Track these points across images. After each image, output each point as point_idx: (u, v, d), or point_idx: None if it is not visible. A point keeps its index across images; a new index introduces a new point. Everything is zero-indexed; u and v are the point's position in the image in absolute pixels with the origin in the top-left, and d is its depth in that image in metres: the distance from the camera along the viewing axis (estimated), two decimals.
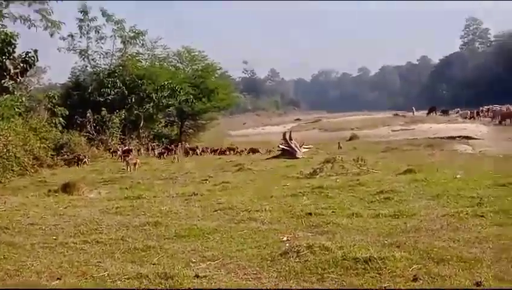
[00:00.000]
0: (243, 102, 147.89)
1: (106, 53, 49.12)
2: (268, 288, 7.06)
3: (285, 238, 9.40)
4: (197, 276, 7.45)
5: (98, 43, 48.38)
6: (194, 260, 8.32)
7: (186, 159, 33.55)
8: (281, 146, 32.16)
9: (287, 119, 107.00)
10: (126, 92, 44.90)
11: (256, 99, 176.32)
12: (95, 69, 48.82)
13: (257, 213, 11.94)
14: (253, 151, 36.06)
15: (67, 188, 17.71)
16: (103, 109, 41.26)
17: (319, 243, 8.53)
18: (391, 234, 9.45)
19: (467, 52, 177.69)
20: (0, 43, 25.17)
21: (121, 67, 47.60)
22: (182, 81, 49.83)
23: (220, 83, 56.84)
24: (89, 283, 7.49)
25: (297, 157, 29.71)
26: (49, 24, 28.49)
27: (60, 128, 35.49)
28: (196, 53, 56.97)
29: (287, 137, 32.19)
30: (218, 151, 38.28)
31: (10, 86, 26.45)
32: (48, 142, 30.68)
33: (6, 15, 26.97)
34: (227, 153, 37.20)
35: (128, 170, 25.79)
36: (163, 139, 50.79)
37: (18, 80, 28.71)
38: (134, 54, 50.18)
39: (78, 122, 40.12)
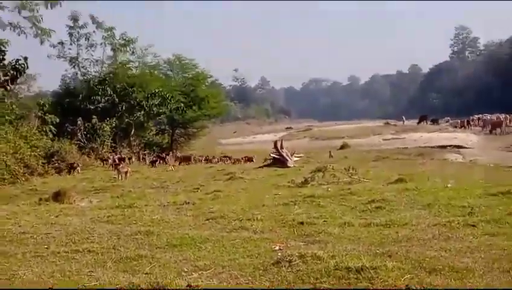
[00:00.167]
0: (234, 110, 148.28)
1: (96, 60, 49.45)
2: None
3: (277, 248, 9.39)
4: (189, 285, 7.42)
5: (88, 50, 48.75)
6: (186, 270, 8.29)
7: (181, 168, 33.57)
8: (272, 155, 32.16)
9: (277, 127, 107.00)
10: (117, 99, 44.92)
11: (246, 107, 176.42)
12: (85, 77, 49.00)
13: (249, 222, 11.91)
14: (249, 159, 36.21)
15: (58, 196, 17.65)
16: (94, 116, 41.27)
17: (311, 252, 8.52)
18: (383, 243, 9.46)
19: (456, 61, 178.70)
20: None
21: (111, 75, 47.66)
22: (173, 89, 49.91)
23: (210, 91, 56.94)
24: None
25: (289, 166, 29.72)
26: (39, 31, 28.39)
27: (51, 136, 35.50)
28: (187, 61, 57.07)
29: (278, 146, 32.20)
30: (212, 159, 38.47)
31: (0, 93, 26.39)
32: (38, 150, 30.61)
33: None
34: (223, 161, 37.33)
35: (120, 178, 25.78)
36: (154, 148, 50.91)
37: (8, 87, 28.62)
38: (125, 61, 50.23)
39: (69, 130, 40.15)
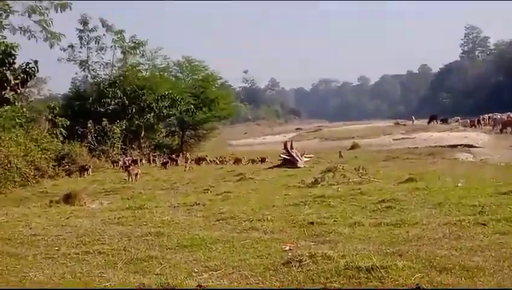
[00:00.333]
0: (244, 111, 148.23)
1: (106, 63, 49.52)
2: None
3: (287, 248, 9.39)
4: (199, 286, 7.44)
5: (98, 53, 48.79)
6: (196, 270, 8.30)
7: (196, 168, 33.69)
8: (282, 155, 32.15)
9: (288, 128, 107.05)
10: (127, 102, 44.93)
11: (256, 108, 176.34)
12: (95, 80, 49.05)
13: (259, 223, 11.91)
14: (262, 160, 36.41)
15: (69, 198, 17.69)
16: (104, 119, 41.33)
17: (321, 252, 8.52)
18: (393, 242, 9.44)
19: (467, 61, 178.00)
20: (0, 54, 25.18)
21: (121, 78, 47.74)
22: (183, 91, 49.87)
23: (220, 92, 56.86)
24: None
25: (299, 167, 29.69)
26: (49, 35, 28.46)
27: (61, 138, 35.58)
28: (196, 63, 57.07)
29: (288, 146, 32.19)
30: (226, 161, 38.72)
31: (11, 96, 26.39)
32: (49, 152, 30.67)
33: (7, 26, 26.96)
34: (237, 163, 37.46)
35: (130, 180, 25.85)
36: (164, 149, 50.93)
37: (19, 90, 28.66)
38: (135, 64, 50.31)
39: (79, 132, 40.21)
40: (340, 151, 38.73)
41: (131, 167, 28.62)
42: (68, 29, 45.57)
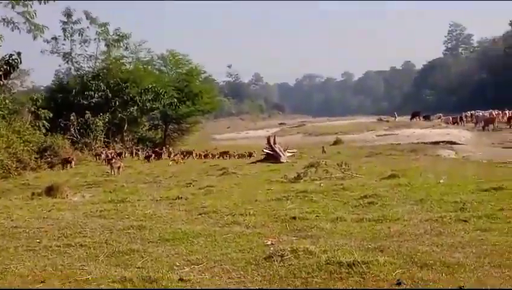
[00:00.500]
0: (227, 106, 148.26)
1: (90, 56, 49.32)
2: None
3: (269, 242, 9.40)
4: (181, 279, 7.44)
5: (81, 46, 48.58)
6: (178, 264, 8.29)
7: (180, 162, 33.63)
8: (265, 150, 32.15)
9: (271, 123, 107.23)
10: (110, 95, 44.83)
11: (240, 103, 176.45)
12: (78, 72, 48.88)
13: (241, 217, 11.92)
14: (250, 154, 36.40)
15: (51, 191, 17.63)
16: (87, 112, 41.24)
17: (303, 247, 8.53)
18: (375, 238, 9.47)
19: (450, 58, 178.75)
20: None
21: (105, 70, 47.60)
22: (166, 84, 49.74)
23: (204, 86, 56.77)
24: (72, 286, 7.46)
25: (282, 162, 29.69)
26: (33, 27, 28.32)
27: (44, 131, 35.43)
28: (180, 57, 56.91)
29: (271, 141, 32.16)
30: (213, 155, 38.67)
31: None
32: (31, 145, 30.57)
33: None
34: (223, 156, 37.44)
35: (112, 173, 25.79)
36: (147, 143, 50.82)
37: (1, 82, 28.57)
38: (118, 57, 50.13)
39: (62, 125, 40.10)
40: (323, 147, 38.82)
41: (113, 160, 28.54)
42: (52, 21, 45.38)
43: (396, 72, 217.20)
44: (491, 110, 65.88)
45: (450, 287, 6.79)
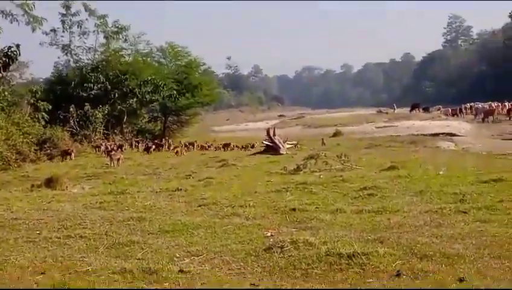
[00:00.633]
0: (227, 98, 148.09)
1: (89, 48, 49.16)
2: (253, 283, 7.08)
3: (269, 234, 9.41)
4: (181, 271, 7.45)
5: (80, 38, 48.45)
6: (178, 255, 8.31)
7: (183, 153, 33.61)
8: (264, 142, 32.13)
9: (270, 115, 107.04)
10: (109, 87, 44.74)
11: (239, 95, 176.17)
12: (78, 64, 48.76)
13: (241, 209, 11.93)
14: (252, 146, 36.40)
15: (50, 183, 17.64)
16: (86, 104, 41.18)
17: (303, 238, 8.56)
18: (374, 229, 9.48)
19: (449, 50, 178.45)
20: None
21: (104, 63, 47.43)
22: (166, 76, 49.56)
23: (203, 78, 56.54)
24: (72, 278, 7.46)
25: (281, 154, 29.63)
26: (31, 19, 28.30)
27: (43, 123, 35.39)
28: (179, 49, 56.76)
29: (271, 133, 32.13)
30: (215, 146, 38.69)
31: None
32: (30, 137, 30.54)
33: None
34: (225, 148, 37.43)
35: (112, 165, 25.76)
36: (146, 135, 50.74)
37: (0, 74, 28.55)
38: (117, 49, 50.01)
39: (61, 117, 40.06)
40: (322, 139, 38.70)
41: (113, 152, 28.52)
42: (51, 13, 45.33)
43: (395, 64, 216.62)
44: (490, 102, 65.81)
45: (449, 280, 6.81)
